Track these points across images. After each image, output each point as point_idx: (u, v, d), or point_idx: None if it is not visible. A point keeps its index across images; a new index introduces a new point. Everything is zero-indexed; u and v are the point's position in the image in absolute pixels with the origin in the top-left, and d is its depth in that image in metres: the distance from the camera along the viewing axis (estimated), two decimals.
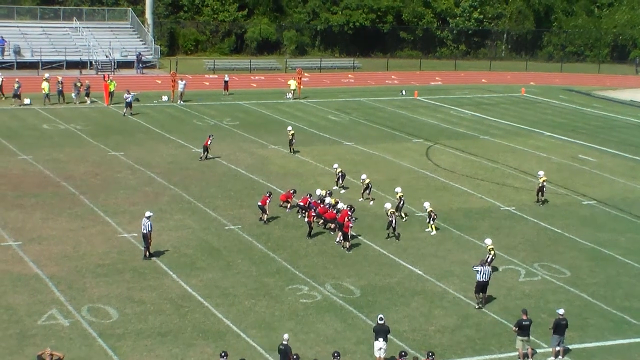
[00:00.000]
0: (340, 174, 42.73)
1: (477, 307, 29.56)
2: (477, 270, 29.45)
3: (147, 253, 32.63)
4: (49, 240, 34.14)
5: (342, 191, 41.86)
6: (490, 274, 29.81)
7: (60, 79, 62.67)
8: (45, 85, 60.49)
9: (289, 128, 50.23)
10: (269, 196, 37.33)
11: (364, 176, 41.26)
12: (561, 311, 26.68)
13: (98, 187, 41.40)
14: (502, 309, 29.67)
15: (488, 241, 32.59)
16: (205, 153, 47.33)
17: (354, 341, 26.84)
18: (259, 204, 37.25)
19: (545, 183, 41.56)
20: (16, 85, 60.18)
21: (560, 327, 26.37)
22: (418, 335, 27.54)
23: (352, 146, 52.54)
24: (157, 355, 25.28)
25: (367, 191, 40.76)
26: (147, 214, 32.97)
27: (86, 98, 61.84)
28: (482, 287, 29.56)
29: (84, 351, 25.32)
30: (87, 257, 32.52)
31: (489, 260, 31.58)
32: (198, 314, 28.25)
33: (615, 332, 28.69)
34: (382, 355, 25.10)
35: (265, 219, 37.07)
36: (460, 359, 26.24)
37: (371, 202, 40.26)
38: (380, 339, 25.12)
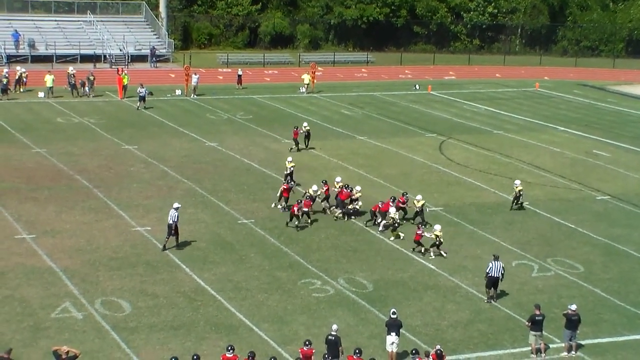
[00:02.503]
0: (291, 169, 40.95)
1: (486, 301, 29.52)
2: (488, 268, 29.41)
3: (171, 242, 32.91)
4: (63, 233, 34.25)
5: (297, 187, 40.28)
6: (503, 271, 29.57)
7: (73, 72, 62.86)
8: (48, 78, 60.62)
9: (305, 124, 49.81)
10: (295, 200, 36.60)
11: (358, 187, 38.86)
12: (573, 307, 26.57)
13: (111, 181, 41.51)
14: (515, 304, 29.61)
15: (437, 227, 33.66)
16: (297, 145, 48.29)
17: (366, 335, 26.85)
18: (305, 209, 35.98)
19: (521, 192, 39.69)
20: (5, 80, 60.14)
21: (572, 322, 26.25)
22: (430, 330, 27.52)
23: (365, 140, 52.49)
24: (169, 348, 25.35)
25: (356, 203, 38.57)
26: (175, 205, 33.32)
27: (74, 91, 61.94)
28: (492, 282, 29.47)
29: (97, 344, 25.42)
30: (101, 250, 32.62)
31: (434, 243, 33.30)
32: (211, 307, 28.30)
33: (628, 327, 28.60)
34: (395, 350, 25.09)
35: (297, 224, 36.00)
36: (473, 353, 26.21)
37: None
38: (393, 334, 25.11)
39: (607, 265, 33.82)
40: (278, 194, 38.31)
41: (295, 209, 35.40)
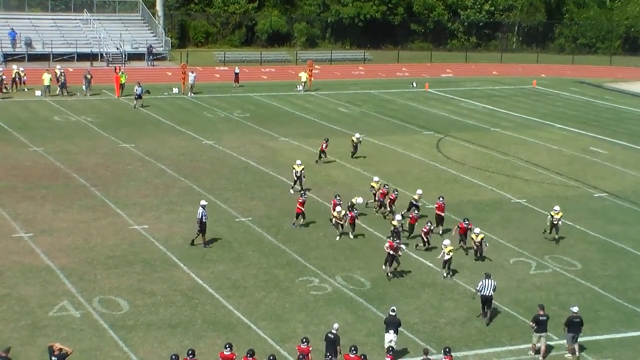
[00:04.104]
0: (301, 173, 39.78)
1: (487, 323, 27.98)
2: (480, 287, 28.04)
3: (203, 240, 33.25)
4: (60, 232, 34.22)
5: (295, 192, 39.45)
6: (494, 288, 27.99)
7: (62, 70, 62.73)
8: (46, 76, 60.55)
9: (357, 135, 47.96)
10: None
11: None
12: (575, 309, 26.21)
13: (109, 179, 41.48)
14: (513, 301, 29.60)
15: (446, 242, 31.37)
16: (322, 157, 45.66)
17: (364, 333, 26.84)
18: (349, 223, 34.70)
19: (560, 220, 35.60)
20: None
21: (574, 325, 25.84)
22: (428, 328, 27.52)
23: (363, 138, 52.34)
24: (167, 346, 25.32)
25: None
26: (202, 202, 33.57)
27: (64, 90, 61.41)
28: (485, 301, 28.00)
29: (94, 342, 25.39)
30: (98, 248, 32.60)
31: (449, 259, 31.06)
32: (209, 305, 28.29)
33: (626, 324, 28.61)
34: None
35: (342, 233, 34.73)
36: (470, 351, 26.21)
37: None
38: (391, 331, 25.10)
39: (604, 263, 33.82)
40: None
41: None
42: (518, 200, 41.09)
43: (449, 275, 31.26)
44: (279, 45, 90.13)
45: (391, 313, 25.42)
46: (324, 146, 45.66)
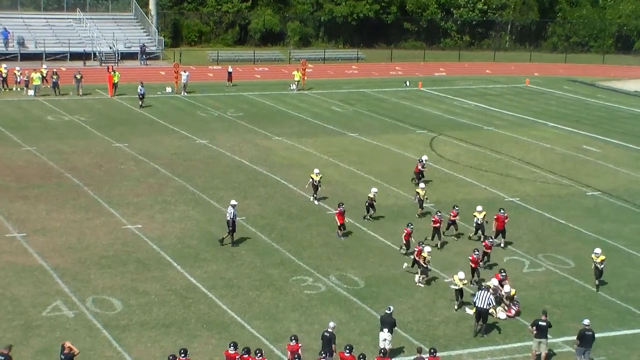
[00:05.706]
0: (318, 182, 38.72)
1: (474, 335, 27.15)
2: (474, 297, 27.41)
3: (231, 240, 33.34)
4: (53, 231, 34.17)
5: (317, 202, 38.98)
6: (491, 302, 27.14)
7: (55, 70, 62.53)
8: (35, 76, 60.39)
9: (425, 157, 43.60)
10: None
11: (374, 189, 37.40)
12: (587, 321, 25.59)
13: (102, 179, 41.43)
14: None
15: (461, 274, 28.98)
16: (420, 178, 41.62)
17: (358, 332, 26.86)
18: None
19: (602, 265, 31.03)
20: None
21: (585, 338, 25.11)
22: (422, 326, 27.55)
23: (356, 137, 52.48)
24: (161, 346, 25.32)
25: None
26: (232, 202, 33.72)
27: (56, 89, 61.02)
28: (479, 314, 26.95)
29: (88, 342, 25.37)
30: (91, 248, 32.56)
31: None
32: (202, 305, 28.28)
33: (619, 322, 28.68)
34: (387, 347, 25.05)
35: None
36: (464, 349, 26.23)
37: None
38: (385, 330, 25.10)
39: None
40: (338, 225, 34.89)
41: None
42: (511, 199, 41.16)
43: (460, 308, 28.84)
44: (272, 44, 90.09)
45: (387, 311, 25.44)
46: (420, 166, 42.23)
